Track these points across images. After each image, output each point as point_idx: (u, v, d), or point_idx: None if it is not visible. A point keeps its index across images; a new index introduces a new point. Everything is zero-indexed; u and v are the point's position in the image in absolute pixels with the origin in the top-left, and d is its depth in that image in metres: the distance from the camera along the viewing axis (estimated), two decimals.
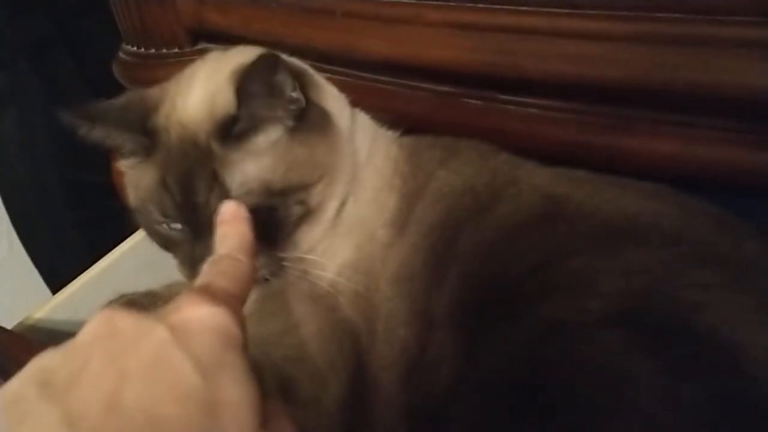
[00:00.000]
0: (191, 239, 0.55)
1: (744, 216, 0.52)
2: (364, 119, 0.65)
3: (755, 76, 0.54)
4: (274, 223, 0.54)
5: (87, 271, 0.76)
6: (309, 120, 0.56)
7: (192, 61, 0.62)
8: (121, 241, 0.79)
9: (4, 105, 1.09)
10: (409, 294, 0.56)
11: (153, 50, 0.86)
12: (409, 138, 0.65)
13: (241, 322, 0.36)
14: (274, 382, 0.57)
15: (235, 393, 0.33)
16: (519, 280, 0.51)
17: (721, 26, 0.54)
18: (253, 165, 0.53)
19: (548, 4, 0.61)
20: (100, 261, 0.77)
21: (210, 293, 0.36)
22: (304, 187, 0.55)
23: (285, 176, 0.54)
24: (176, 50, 0.86)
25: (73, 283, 0.74)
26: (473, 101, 0.69)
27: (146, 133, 0.55)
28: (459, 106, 0.69)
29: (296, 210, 0.55)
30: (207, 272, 0.40)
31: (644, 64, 0.58)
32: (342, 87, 0.65)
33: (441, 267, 0.55)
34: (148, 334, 0.33)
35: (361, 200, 0.60)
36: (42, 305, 0.71)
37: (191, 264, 0.55)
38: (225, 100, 0.53)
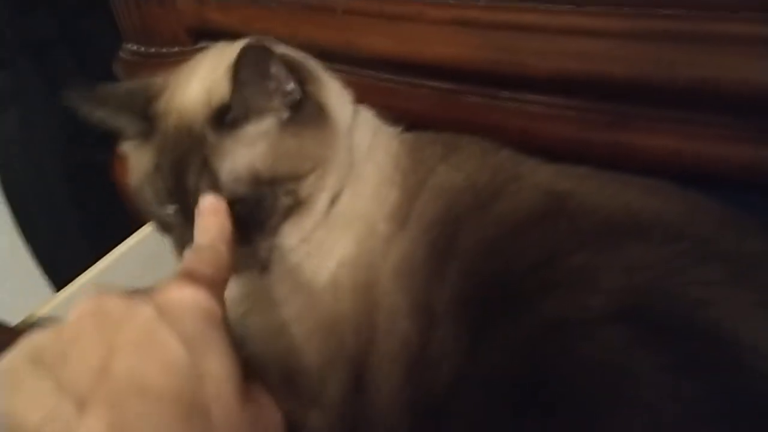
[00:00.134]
0: (182, 223, 0.56)
1: (746, 212, 0.52)
2: (366, 115, 0.65)
3: (757, 72, 0.53)
4: (263, 212, 0.55)
5: (89, 269, 0.76)
6: (304, 113, 0.56)
7: None
8: (124, 239, 0.79)
9: (5, 104, 1.10)
10: (410, 289, 0.56)
11: (154, 49, 0.87)
12: (410, 134, 0.65)
13: (222, 305, 0.39)
14: (277, 375, 0.58)
15: (218, 366, 0.35)
16: (520, 277, 0.51)
17: (722, 22, 0.54)
18: (243, 153, 0.54)
19: (549, 1, 0.61)
20: (102, 259, 0.77)
21: (192, 277, 0.39)
22: (294, 178, 0.55)
23: (274, 166, 0.54)
24: (177, 49, 0.86)
25: (75, 281, 0.74)
26: (475, 98, 0.68)
27: (146, 118, 0.57)
28: (460, 103, 0.69)
29: (285, 200, 0.55)
30: (189, 260, 0.43)
31: (645, 61, 0.58)
32: (343, 84, 0.65)
33: (442, 263, 0.55)
34: (136, 313, 0.35)
35: (361, 194, 0.60)
36: (44, 303, 0.71)
37: (181, 246, 0.56)
38: (222, 89, 0.54)
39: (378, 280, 0.57)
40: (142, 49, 0.87)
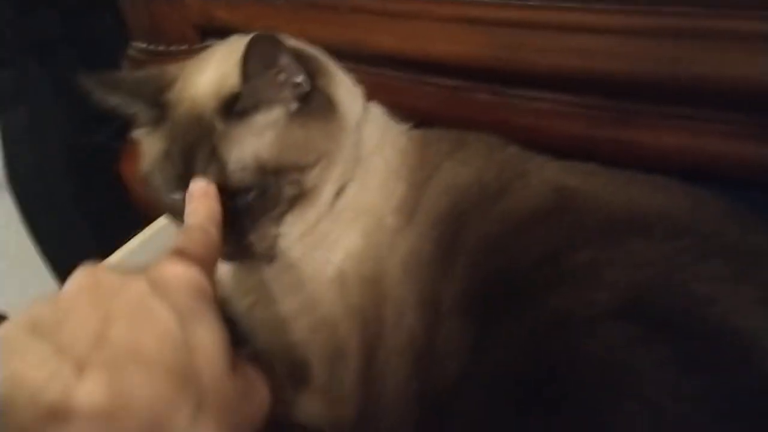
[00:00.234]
0: None
1: (751, 208, 0.52)
2: (376, 111, 0.65)
3: (760, 69, 0.54)
4: (267, 200, 0.55)
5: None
6: (312, 105, 0.57)
7: None
8: (131, 235, 0.80)
9: (12, 103, 1.10)
10: (417, 283, 0.56)
11: (161, 47, 0.87)
12: (418, 131, 0.66)
13: (212, 283, 0.41)
14: (284, 367, 0.58)
15: (208, 337, 0.36)
16: (525, 273, 0.51)
17: (725, 19, 0.54)
18: (250, 143, 0.54)
19: None
20: (109, 257, 0.77)
21: (183, 256, 0.40)
22: (298, 168, 0.56)
23: (280, 156, 0.55)
24: (185, 47, 0.86)
25: None
26: (481, 96, 0.69)
27: (158, 105, 0.57)
28: (467, 100, 0.69)
29: (289, 190, 0.56)
30: (180, 240, 0.44)
31: (650, 58, 0.58)
32: (355, 81, 0.65)
33: (448, 257, 0.56)
34: (129, 286, 0.36)
35: (369, 188, 0.60)
36: None
37: None
38: (233, 79, 0.54)
39: (385, 274, 0.58)
40: (150, 47, 0.87)
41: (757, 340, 0.42)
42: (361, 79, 0.65)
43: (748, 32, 0.53)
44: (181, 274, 0.39)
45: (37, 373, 0.32)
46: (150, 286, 0.37)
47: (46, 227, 1.17)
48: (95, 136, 1.08)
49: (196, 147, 0.54)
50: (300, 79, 0.56)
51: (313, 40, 0.64)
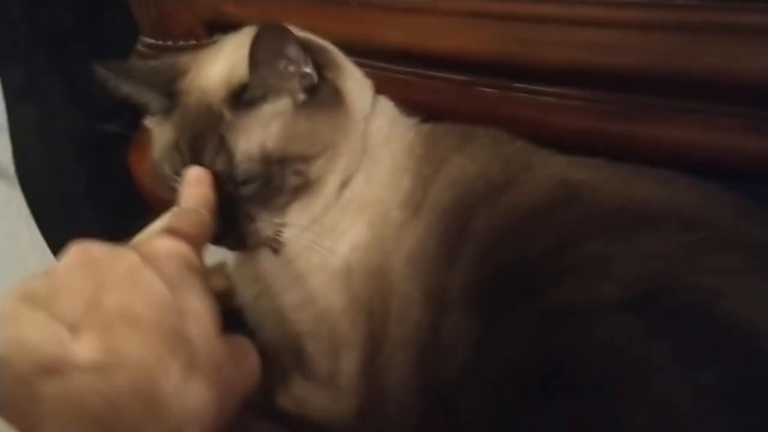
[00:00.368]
0: None
1: (759, 203, 0.52)
2: (385, 105, 0.65)
3: None
4: (271, 190, 0.56)
5: None
6: (320, 96, 0.57)
7: None
8: (140, 230, 0.80)
9: (23, 99, 1.10)
10: (423, 275, 0.56)
11: (170, 42, 0.87)
12: (426, 125, 0.66)
13: (202, 260, 0.42)
14: (290, 358, 0.58)
15: (198, 304, 0.38)
16: (531, 266, 0.51)
17: (737, 13, 0.54)
18: (257, 133, 0.55)
19: None
20: None
21: (173, 233, 0.41)
22: (303, 159, 0.56)
23: (285, 146, 0.55)
24: (193, 42, 0.86)
25: None
26: (488, 90, 0.68)
27: (170, 94, 0.58)
28: (474, 95, 0.69)
29: (293, 180, 0.56)
30: (170, 218, 0.45)
31: (660, 52, 0.58)
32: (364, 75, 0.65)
33: (454, 250, 0.56)
34: (121, 258, 0.38)
35: (376, 181, 0.60)
36: None
37: None
38: (242, 69, 0.54)
39: (391, 266, 0.58)
40: (159, 42, 0.88)
41: (766, 333, 0.42)
42: (368, 74, 0.65)
43: (757, 25, 0.53)
44: (170, 246, 0.40)
45: (34, 335, 0.33)
46: (141, 258, 0.38)
47: (55, 221, 1.17)
48: (104, 130, 1.09)
49: (204, 137, 0.55)
50: (308, 69, 0.56)
51: (321, 35, 0.64)
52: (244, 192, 0.55)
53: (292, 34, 0.54)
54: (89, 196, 1.15)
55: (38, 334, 0.33)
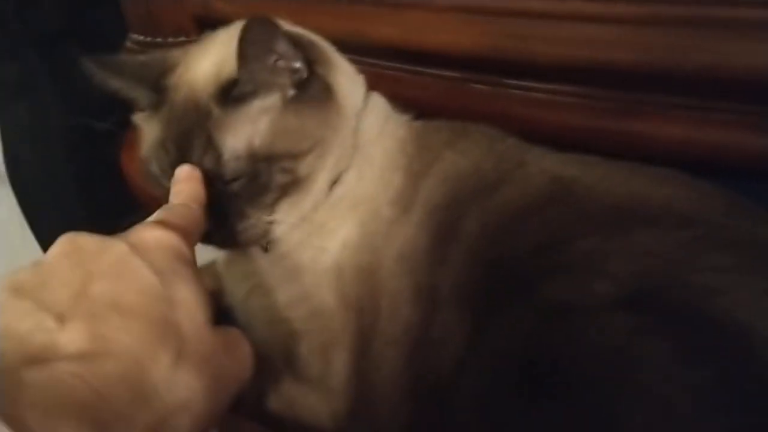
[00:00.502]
0: None
1: (756, 201, 0.52)
2: (378, 101, 0.65)
3: (766, 58, 0.53)
4: (258, 188, 0.55)
5: None
6: (309, 92, 0.56)
7: None
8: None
9: (14, 96, 1.10)
10: (414, 272, 0.56)
11: (159, 39, 0.87)
12: (419, 122, 0.65)
13: (192, 252, 0.42)
14: (280, 358, 0.58)
15: (188, 294, 0.38)
16: (524, 263, 0.51)
17: (732, 8, 0.53)
18: (245, 130, 0.54)
19: None
20: None
21: (163, 224, 0.41)
22: (291, 156, 0.55)
23: (272, 143, 0.54)
24: (182, 39, 0.86)
25: None
26: (481, 86, 0.68)
27: (158, 90, 0.57)
28: (467, 91, 0.69)
29: (281, 178, 0.55)
30: (160, 213, 0.45)
31: (654, 48, 0.58)
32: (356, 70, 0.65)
33: (445, 247, 0.55)
34: (110, 248, 0.37)
35: (367, 178, 0.60)
36: None
37: None
38: (231, 65, 0.54)
39: (381, 264, 0.57)
40: (149, 39, 0.87)
41: (765, 330, 0.41)
42: (360, 70, 0.65)
43: (754, 21, 0.52)
44: (159, 237, 0.40)
45: (21, 325, 0.33)
46: (129, 247, 0.37)
47: (46, 219, 1.17)
48: (96, 129, 1.08)
49: (191, 134, 0.54)
50: (298, 65, 0.56)
51: (312, 31, 0.63)
52: (232, 189, 0.54)
53: (281, 28, 0.53)
54: (81, 195, 1.14)
55: (25, 323, 0.33)
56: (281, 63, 0.54)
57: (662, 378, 0.41)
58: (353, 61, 0.65)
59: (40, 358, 0.31)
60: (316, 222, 0.59)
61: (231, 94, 0.53)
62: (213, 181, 0.53)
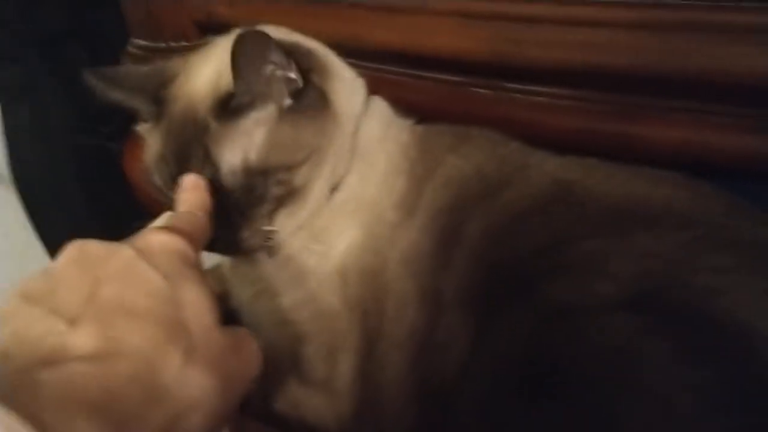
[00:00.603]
0: None
1: (755, 203, 0.52)
2: (379, 106, 0.65)
3: (763, 61, 0.53)
4: (255, 200, 0.55)
5: None
6: (305, 101, 0.56)
7: None
8: (136, 231, 0.80)
9: (17, 99, 1.10)
10: (417, 276, 0.56)
11: (161, 43, 0.87)
12: (421, 126, 0.65)
13: (199, 257, 0.42)
14: (287, 360, 0.58)
15: (195, 296, 0.38)
16: (526, 264, 0.51)
17: (729, 12, 0.54)
18: (242, 143, 0.54)
19: None
20: None
21: (168, 229, 0.42)
22: (286, 168, 0.55)
23: (267, 157, 0.55)
24: (184, 43, 0.86)
25: None
26: (481, 90, 0.68)
27: (158, 102, 0.57)
28: (466, 95, 0.69)
29: (276, 190, 0.55)
30: (166, 219, 0.46)
31: (653, 51, 0.58)
32: (356, 75, 0.65)
33: (448, 250, 0.56)
34: (117, 253, 0.38)
35: (370, 182, 0.60)
36: None
37: None
38: (229, 77, 0.54)
39: (386, 267, 0.58)
40: (150, 43, 0.87)
41: (763, 331, 0.42)
42: (361, 75, 0.65)
43: (751, 25, 0.53)
44: (165, 241, 0.40)
45: (33, 330, 0.33)
46: (136, 252, 0.38)
47: (51, 221, 1.17)
48: (100, 130, 1.08)
49: (189, 148, 0.54)
50: (293, 74, 0.55)
51: (312, 36, 0.63)
52: (228, 201, 0.54)
53: (272, 39, 0.53)
54: (84, 196, 1.14)
55: (37, 328, 0.33)
56: (276, 74, 0.54)
57: (662, 378, 0.41)
58: (354, 66, 0.65)
59: (52, 359, 0.32)
60: (319, 226, 0.59)
61: (228, 107, 0.54)
62: (216, 190, 0.53)
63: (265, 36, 0.52)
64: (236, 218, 0.55)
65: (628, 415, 0.41)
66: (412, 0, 0.68)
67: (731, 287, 0.44)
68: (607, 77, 0.60)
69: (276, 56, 0.53)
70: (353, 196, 0.60)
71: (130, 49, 0.91)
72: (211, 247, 0.53)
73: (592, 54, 0.60)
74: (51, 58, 1.07)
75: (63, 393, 0.31)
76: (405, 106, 0.66)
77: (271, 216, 0.57)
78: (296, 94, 0.56)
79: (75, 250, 0.38)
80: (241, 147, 0.54)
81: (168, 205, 0.60)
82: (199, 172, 0.53)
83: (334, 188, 0.59)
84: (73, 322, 0.33)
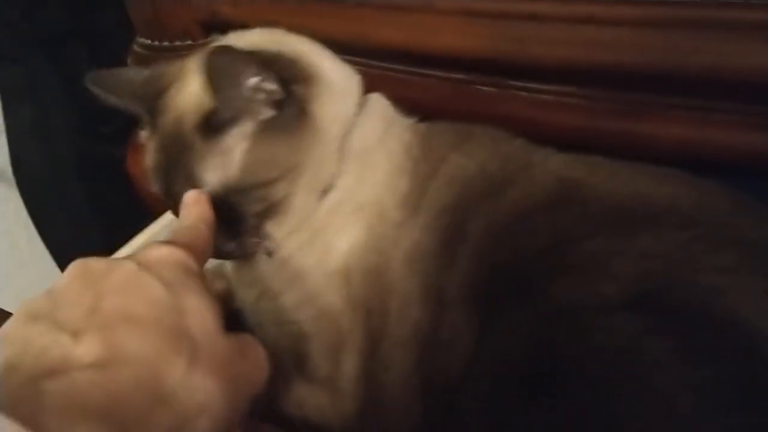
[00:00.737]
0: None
1: (762, 200, 0.52)
2: (379, 105, 0.64)
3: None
4: (238, 216, 0.56)
5: None
6: (284, 114, 0.56)
7: None
8: (138, 231, 0.80)
9: (20, 99, 1.10)
10: (421, 274, 0.56)
11: (166, 43, 0.87)
12: (423, 124, 0.65)
13: (201, 270, 0.42)
14: (290, 359, 0.58)
15: (197, 302, 0.38)
16: (529, 264, 0.51)
17: (733, 9, 0.53)
18: (221, 163, 0.54)
19: None
20: (117, 251, 0.78)
21: (169, 243, 0.42)
22: (262, 185, 0.55)
23: (243, 177, 0.55)
24: (189, 42, 0.86)
25: None
26: (485, 88, 0.68)
27: (152, 112, 0.58)
28: (471, 93, 0.69)
29: (255, 206, 0.55)
30: (168, 235, 0.46)
31: (657, 49, 0.58)
32: (352, 75, 0.64)
33: (452, 249, 0.55)
34: (118, 267, 0.38)
35: (369, 182, 0.60)
36: None
37: None
38: (211, 93, 0.54)
39: (389, 266, 0.57)
40: (155, 42, 0.87)
41: (765, 331, 0.41)
42: (364, 73, 0.64)
43: (755, 22, 0.53)
44: (166, 253, 0.41)
45: (37, 344, 0.34)
46: (137, 265, 0.38)
47: (53, 221, 1.17)
48: (101, 131, 1.09)
49: (176, 165, 0.55)
50: (272, 86, 0.54)
51: (316, 35, 0.63)
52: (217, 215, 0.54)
53: (246, 53, 0.52)
54: (87, 197, 1.15)
55: (41, 342, 0.34)
56: (255, 87, 0.53)
57: (663, 378, 0.41)
58: (358, 64, 0.64)
59: (56, 370, 0.32)
60: (315, 226, 0.59)
61: (210, 123, 0.54)
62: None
63: (238, 51, 0.52)
64: (224, 230, 0.55)
65: (629, 414, 0.41)
66: None
67: (733, 287, 0.44)
68: (611, 75, 0.60)
69: (253, 69, 0.53)
70: (350, 196, 0.59)
71: (135, 48, 0.91)
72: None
73: (596, 52, 0.60)
74: (52, 58, 1.08)
75: (66, 400, 0.31)
76: (410, 104, 0.66)
77: (257, 227, 0.57)
78: (277, 105, 0.55)
79: (77, 267, 0.39)
80: (221, 166, 0.54)
81: (168, 205, 0.60)
82: (182, 189, 0.53)
83: (324, 192, 0.59)
84: (76, 334, 0.34)
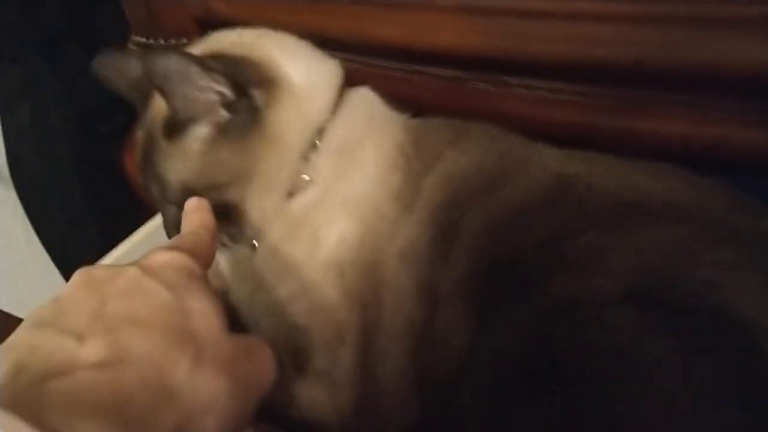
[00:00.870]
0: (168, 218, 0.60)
1: (759, 198, 0.52)
2: (362, 101, 0.64)
3: (765, 55, 0.53)
4: None
5: (102, 259, 0.76)
6: (238, 118, 0.56)
7: None
8: (135, 230, 0.80)
9: (17, 99, 1.10)
10: (416, 270, 0.56)
11: (161, 40, 0.87)
12: (417, 120, 0.65)
13: (204, 274, 0.43)
14: (286, 354, 0.58)
15: (201, 303, 0.39)
16: (526, 259, 0.51)
17: (731, 4, 0.53)
18: (180, 163, 0.55)
19: None
20: (114, 249, 0.78)
21: (172, 248, 0.42)
22: (214, 188, 0.56)
23: (195, 178, 0.56)
24: (184, 40, 0.86)
25: None
26: (482, 85, 0.68)
27: (144, 107, 0.59)
28: (467, 90, 0.69)
29: (215, 208, 0.55)
30: (171, 241, 0.46)
31: (654, 45, 0.57)
32: (350, 73, 0.64)
33: (448, 245, 0.55)
34: (122, 273, 0.39)
35: (359, 177, 0.60)
36: None
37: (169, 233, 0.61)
38: None
39: (384, 261, 0.57)
40: (150, 40, 0.87)
41: (764, 326, 0.41)
42: (361, 70, 0.65)
43: (753, 17, 0.52)
44: (168, 257, 0.41)
45: (43, 349, 0.34)
46: (141, 270, 0.39)
47: (51, 221, 1.17)
48: (100, 130, 1.09)
49: (150, 165, 0.56)
50: (222, 89, 0.55)
51: (312, 32, 0.63)
52: None
53: (186, 56, 0.52)
54: (85, 196, 1.14)
55: (46, 347, 0.34)
56: (204, 89, 0.54)
57: (664, 374, 0.41)
58: (354, 62, 0.65)
59: (61, 370, 0.32)
60: (292, 220, 0.59)
61: (170, 125, 0.55)
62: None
63: (179, 54, 0.52)
64: None
65: (628, 411, 0.41)
66: None
67: (731, 282, 0.44)
68: (609, 71, 0.60)
69: (194, 71, 0.52)
70: (332, 191, 0.59)
71: (131, 46, 0.91)
72: None
73: (594, 48, 0.60)
74: (51, 58, 1.08)
75: (70, 399, 0.31)
76: (407, 101, 0.66)
77: (225, 228, 0.58)
78: (232, 109, 0.56)
79: (81, 276, 0.39)
80: (181, 167, 0.55)
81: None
82: (156, 189, 0.55)
83: (290, 193, 0.59)
84: (81, 337, 0.34)
